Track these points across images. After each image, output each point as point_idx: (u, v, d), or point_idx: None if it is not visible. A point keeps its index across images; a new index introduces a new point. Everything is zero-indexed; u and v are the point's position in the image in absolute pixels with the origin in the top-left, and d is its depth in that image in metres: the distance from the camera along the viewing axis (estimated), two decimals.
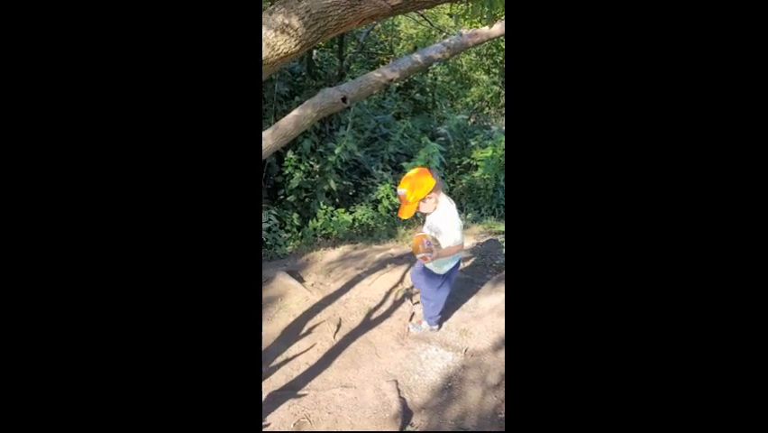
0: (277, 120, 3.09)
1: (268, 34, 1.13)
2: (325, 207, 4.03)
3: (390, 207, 4.12)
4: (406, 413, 1.75)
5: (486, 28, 2.93)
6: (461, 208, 4.52)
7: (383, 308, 2.53)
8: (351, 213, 4.13)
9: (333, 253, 3.43)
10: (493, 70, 7.13)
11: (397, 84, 5.67)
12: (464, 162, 5.07)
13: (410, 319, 2.38)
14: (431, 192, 1.84)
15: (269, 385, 1.94)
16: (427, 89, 6.18)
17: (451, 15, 5.93)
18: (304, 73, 4.62)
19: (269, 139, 2.23)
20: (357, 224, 4.08)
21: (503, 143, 4.35)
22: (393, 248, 3.44)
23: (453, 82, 6.98)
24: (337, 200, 4.38)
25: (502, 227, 3.78)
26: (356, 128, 4.85)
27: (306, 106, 2.39)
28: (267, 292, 2.72)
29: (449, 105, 6.61)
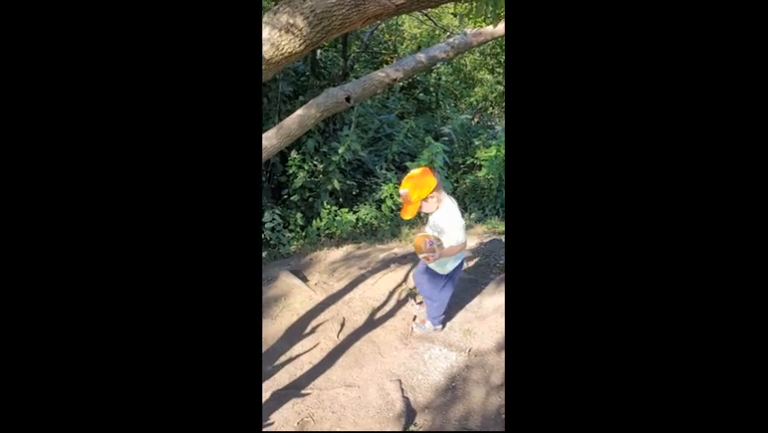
0: (281, 119, 3.09)
1: (272, 34, 1.13)
2: (329, 206, 4.04)
3: (394, 207, 4.12)
4: (409, 413, 1.75)
5: (490, 27, 2.93)
6: (464, 208, 4.51)
7: (387, 308, 2.53)
8: (354, 213, 4.13)
9: (336, 253, 3.43)
10: (497, 70, 7.11)
11: (401, 84, 5.67)
12: (468, 162, 5.06)
13: (413, 320, 2.38)
14: (433, 192, 1.84)
15: (272, 384, 1.94)
16: (431, 89, 6.17)
17: (455, 15, 5.91)
18: (308, 73, 4.63)
19: (273, 138, 2.23)
20: (360, 223, 4.09)
21: None
22: (396, 248, 3.44)
23: (457, 82, 6.97)
24: (341, 200, 4.39)
25: None
26: (360, 128, 4.86)
27: (310, 106, 2.39)
28: (271, 292, 2.73)
29: (453, 104, 6.60)
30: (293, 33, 1.12)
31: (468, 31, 3.18)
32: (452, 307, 2.32)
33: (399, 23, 6.43)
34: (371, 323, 2.39)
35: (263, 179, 4.17)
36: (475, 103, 7.04)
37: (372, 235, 3.96)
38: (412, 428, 1.69)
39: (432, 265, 1.99)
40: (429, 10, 5.35)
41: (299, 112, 2.37)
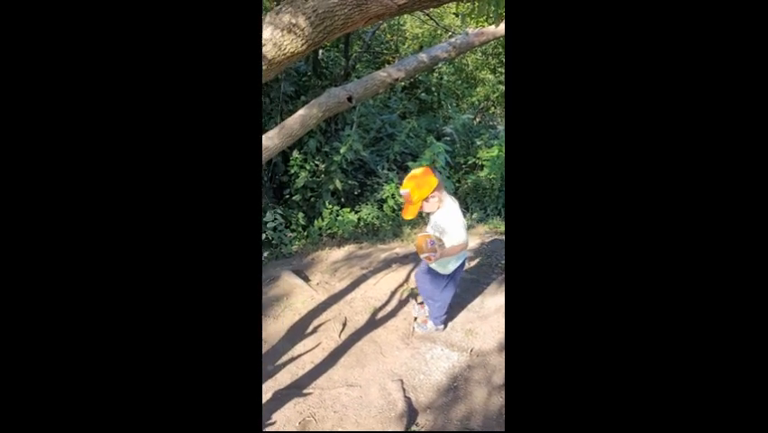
0: (283, 119, 3.09)
1: (275, 34, 1.13)
2: (331, 206, 4.04)
3: (396, 207, 4.12)
4: (411, 413, 1.75)
5: (492, 27, 2.93)
6: (466, 208, 4.50)
7: (388, 308, 2.53)
8: (356, 212, 4.13)
9: (338, 253, 3.44)
10: (499, 70, 7.10)
11: (403, 83, 5.66)
12: (470, 162, 5.05)
13: (414, 320, 2.38)
14: (434, 191, 1.83)
15: (274, 384, 1.95)
16: (433, 89, 6.16)
17: (457, 14, 5.91)
18: (310, 73, 4.62)
19: (275, 138, 2.23)
20: (362, 223, 4.09)
21: None
22: (398, 248, 3.45)
23: (459, 81, 6.96)
24: (342, 200, 4.39)
25: None
26: (361, 128, 4.86)
27: (312, 106, 2.40)
28: (272, 291, 2.73)
29: (454, 104, 6.59)
30: (295, 33, 1.12)
31: (470, 30, 3.18)
32: (453, 307, 2.32)
33: (401, 22, 6.43)
34: (373, 323, 2.39)
35: (265, 178, 4.17)
36: (477, 103, 7.03)
37: (374, 235, 3.96)
38: (414, 427, 1.69)
39: (433, 265, 1.99)
40: (431, 10, 5.35)
41: (301, 112, 2.37)
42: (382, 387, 1.87)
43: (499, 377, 1.92)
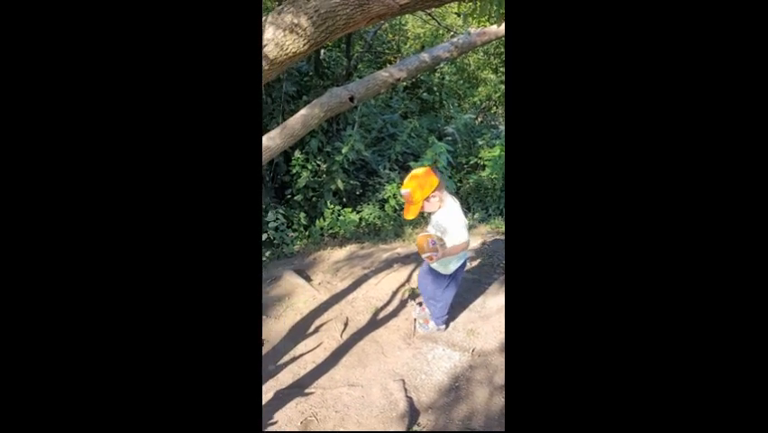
0: (284, 119, 3.10)
1: (276, 34, 1.13)
2: (332, 206, 4.04)
3: (397, 207, 4.12)
4: (412, 413, 1.75)
5: (494, 27, 2.92)
6: (468, 208, 4.50)
7: (390, 308, 2.53)
8: (358, 212, 4.13)
9: (340, 253, 3.44)
10: (501, 69, 7.08)
11: (405, 83, 5.66)
12: (472, 162, 5.05)
13: (414, 321, 2.38)
14: (435, 191, 1.83)
15: (276, 383, 1.95)
16: (435, 89, 6.16)
17: (459, 14, 5.90)
18: (311, 72, 4.63)
19: (277, 138, 2.23)
20: (364, 223, 4.09)
21: None
22: (400, 248, 3.45)
23: (461, 81, 6.95)
24: (344, 200, 4.39)
25: None
26: (363, 127, 4.86)
27: (314, 106, 2.40)
28: (274, 291, 2.73)
29: (456, 104, 6.59)
30: (297, 33, 1.13)
31: (472, 30, 3.18)
32: (455, 307, 2.32)
33: (403, 22, 6.42)
34: (375, 323, 2.39)
35: (267, 178, 4.18)
36: (479, 102, 7.02)
37: (376, 235, 3.96)
38: (415, 427, 1.69)
39: (435, 265, 1.99)
40: (433, 10, 5.35)
41: (303, 112, 2.37)
42: (384, 387, 1.87)
43: (501, 377, 1.92)
